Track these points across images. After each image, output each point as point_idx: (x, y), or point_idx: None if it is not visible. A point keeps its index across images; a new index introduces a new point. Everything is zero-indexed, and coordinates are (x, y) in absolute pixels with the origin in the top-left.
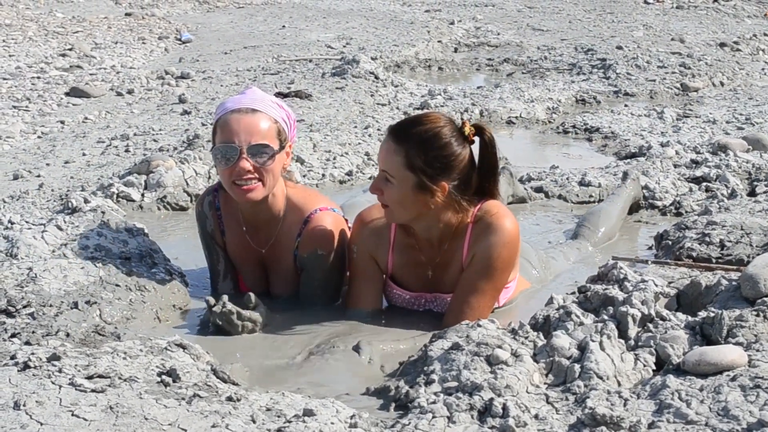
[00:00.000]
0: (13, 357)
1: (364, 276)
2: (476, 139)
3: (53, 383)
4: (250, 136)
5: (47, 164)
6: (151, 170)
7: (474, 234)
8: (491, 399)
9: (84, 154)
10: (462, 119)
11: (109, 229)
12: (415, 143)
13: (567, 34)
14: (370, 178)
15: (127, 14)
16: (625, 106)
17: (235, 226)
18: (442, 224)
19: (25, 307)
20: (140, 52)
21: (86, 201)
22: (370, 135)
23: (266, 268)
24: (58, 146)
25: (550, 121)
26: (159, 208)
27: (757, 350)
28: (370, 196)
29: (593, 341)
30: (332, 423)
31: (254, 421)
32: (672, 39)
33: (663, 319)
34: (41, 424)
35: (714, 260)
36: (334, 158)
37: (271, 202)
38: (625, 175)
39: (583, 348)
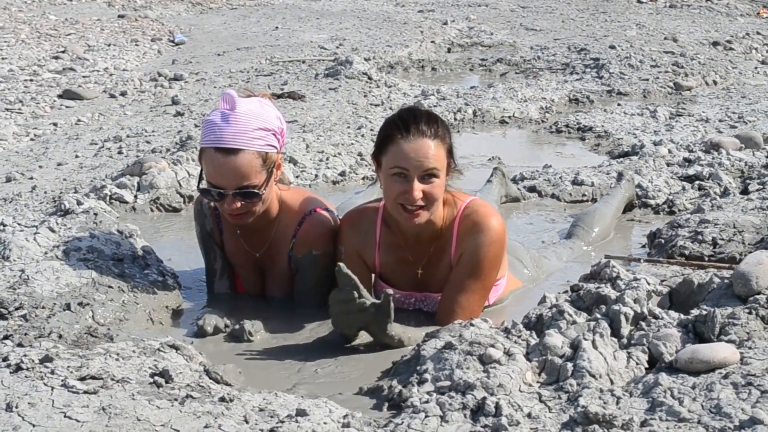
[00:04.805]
0: (5, 359)
1: None
2: None
3: (46, 385)
4: (236, 181)
5: (40, 166)
6: (143, 172)
7: (461, 232)
8: (484, 398)
9: (77, 156)
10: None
11: (101, 231)
12: (442, 129)
13: (560, 33)
14: (363, 178)
15: (120, 16)
16: (618, 105)
17: (231, 228)
18: (432, 221)
19: (17, 309)
20: (133, 54)
21: (79, 203)
22: (363, 135)
23: (263, 270)
24: (50, 148)
25: (543, 121)
26: (152, 210)
27: (750, 348)
28: (363, 198)
29: (586, 340)
30: (325, 423)
31: (247, 422)
32: (665, 38)
33: (655, 317)
34: (33, 425)
35: (706, 258)
36: (327, 159)
37: (265, 208)
38: (620, 175)
39: (575, 347)
